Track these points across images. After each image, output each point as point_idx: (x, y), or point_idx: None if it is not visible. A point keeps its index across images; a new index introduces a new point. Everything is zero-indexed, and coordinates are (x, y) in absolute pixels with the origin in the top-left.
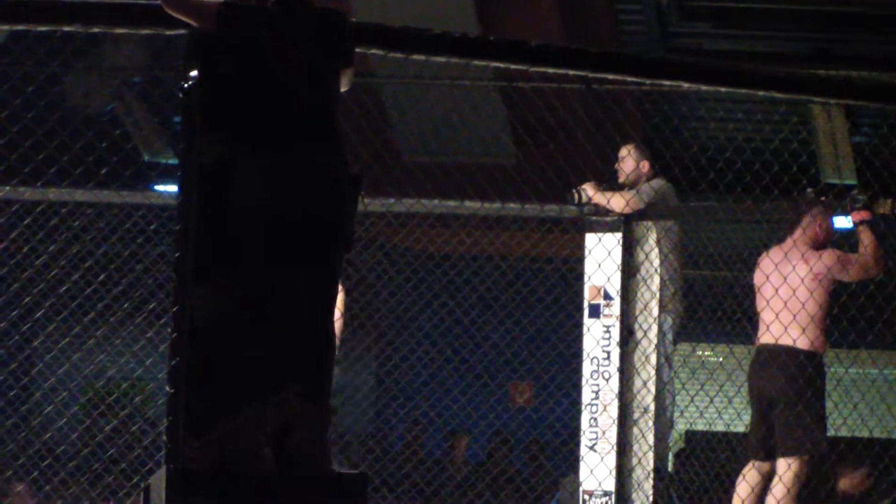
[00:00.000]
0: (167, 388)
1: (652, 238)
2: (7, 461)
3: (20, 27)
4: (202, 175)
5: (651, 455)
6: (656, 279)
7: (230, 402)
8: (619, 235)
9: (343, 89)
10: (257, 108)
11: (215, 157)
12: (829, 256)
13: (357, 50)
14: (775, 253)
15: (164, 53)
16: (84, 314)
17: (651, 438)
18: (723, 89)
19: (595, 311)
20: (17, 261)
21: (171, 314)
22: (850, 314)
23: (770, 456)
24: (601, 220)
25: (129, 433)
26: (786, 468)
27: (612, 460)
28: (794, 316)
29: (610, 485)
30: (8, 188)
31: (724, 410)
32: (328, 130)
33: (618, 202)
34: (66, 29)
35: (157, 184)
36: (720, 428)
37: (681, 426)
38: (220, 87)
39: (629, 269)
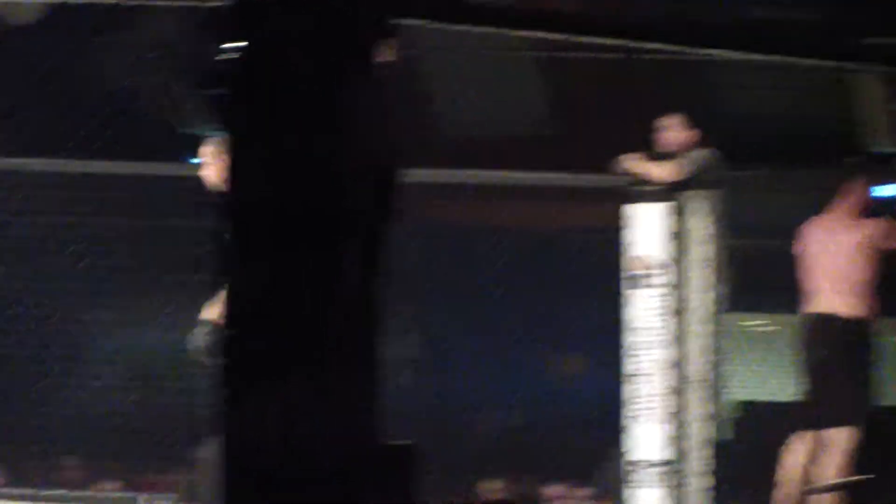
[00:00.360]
0: (214, 360)
1: (705, 207)
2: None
3: None
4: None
5: (708, 425)
6: (710, 249)
7: (277, 376)
8: (662, 205)
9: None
10: None
11: (245, 125)
12: (872, 225)
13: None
14: (819, 222)
15: (197, 25)
16: (132, 287)
17: (709, 408)
18: (760, 57)
19: (637, 282)
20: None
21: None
22: None
23: (818, 426)
24: (644, 189)
25: (179, 405)
26: (837, 438)
27: (660, 430)
28: (841, 285)
29: (662, 454)
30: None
31: (771, 380)
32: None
33: (660, 172)
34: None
35: (193, 157)
36: (765, 398)
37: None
38: (259, 61)
39: (679, 239)
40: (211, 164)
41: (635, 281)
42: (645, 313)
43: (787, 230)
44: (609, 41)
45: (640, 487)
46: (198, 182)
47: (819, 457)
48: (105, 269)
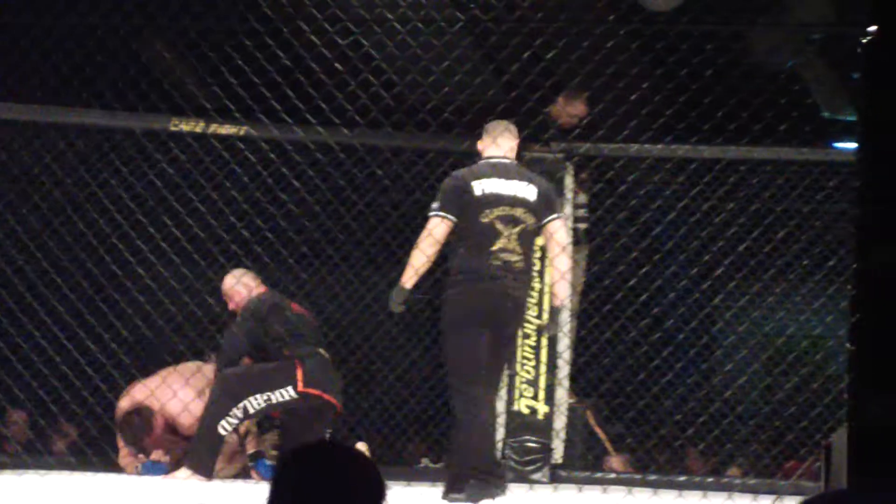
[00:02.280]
0: (847, 345)
1: None
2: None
3: None
4: (883, 130)
5: None
6: None
7: None
8: None
9: None
10: None
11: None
12: None
13: None
14: None
15: (848, 8)
16: (764, 272)
17: None
18: None
19: None
20: (697, 219)
21: (853, 271)
22: None
23: None
24: None
25: (809, 391)
26: None
27: None
28: None
29: None
30: (687, 147)
31: None
32: None
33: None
34: None
35: (837, 141)
36: None
37: None
38: None
39: None
40: None
41: None
42: None
43: None
44: None
45: None
46: (844, 168)
47: None
48: (738, 254)
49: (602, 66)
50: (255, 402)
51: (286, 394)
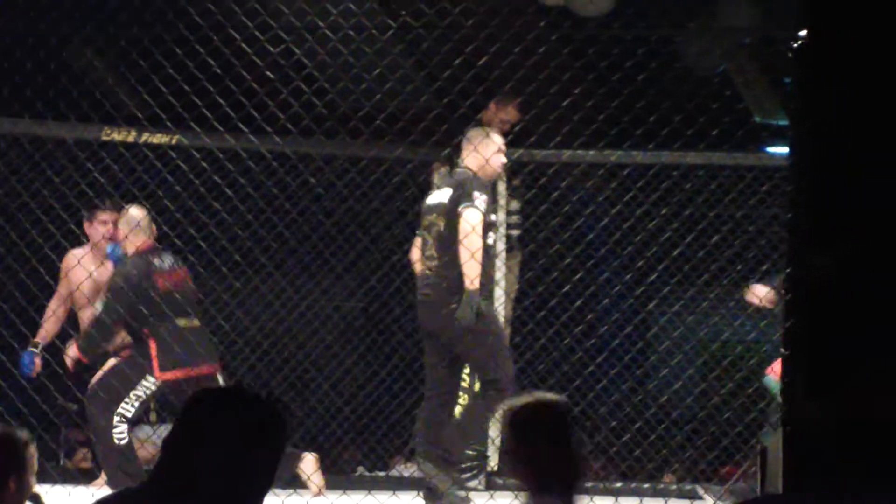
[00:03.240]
0: (782, 350)
1: None
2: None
3: None
4: (815, 135)
5: None
6: None
7: (852, 362)
8: None
9: None
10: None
11: (829, 115)
12: None
13: None
14: None
15: (777, 12)
16: (698, 277)
17: None
18: None
19: None
20: (630, 224)
21: (786, 275)
22: None
23: None
24: None
25: (744, 396)
26: None
27: None
28: None
29: None
30: (619, 152)
31: None
32: None
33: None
34: None
35: (769, 145)
36: None
37: None
38: (832, 47)
39: None
40: None
41: None
42: None
43: None
44: None
45: None
46: (776, 172)
47: None
48: (672, 259)
49: (534, 72)
50: (128, 407)
51: (149, 385)
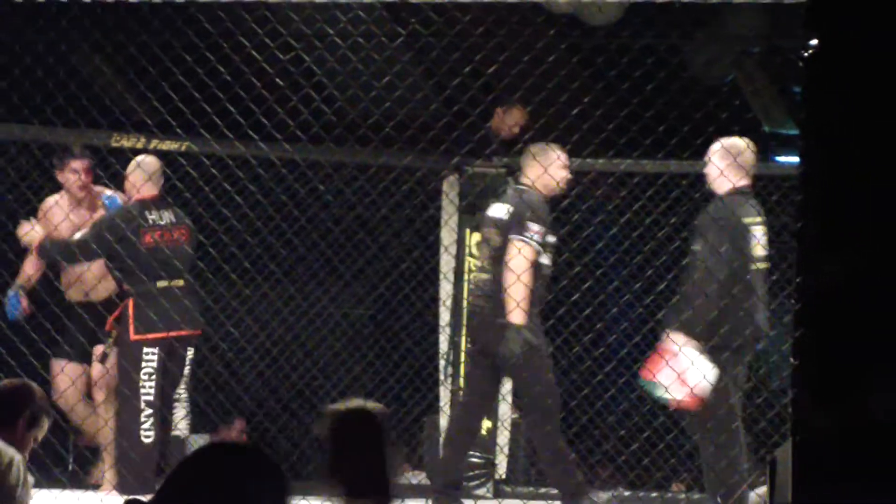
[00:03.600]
0: (791, 360)
1: None
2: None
3: None
4: (825, 144)
5: None
6: None
7: (861, 371)
8: None
9: None
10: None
11: (838, 124)
12: None
13: None
14: None
15: (785, 22)
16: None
17: None
18: None
19: None
20: (639, 233)
21: (796, 284)
22: None
23: None
24: None
25: (753, 406)
26: None
27: None
28: None
29: None
30: (629, 161)
31: None
32: None
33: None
34: None
35: (778, 154)
36: None
37: None
38: (841, 56)
39: None
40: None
41: None
42: None
43: None
44: None
45: None
46: (785, 182)
47: None
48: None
49: (542, 81)
50: (146, 389)
51: (150, 356)
